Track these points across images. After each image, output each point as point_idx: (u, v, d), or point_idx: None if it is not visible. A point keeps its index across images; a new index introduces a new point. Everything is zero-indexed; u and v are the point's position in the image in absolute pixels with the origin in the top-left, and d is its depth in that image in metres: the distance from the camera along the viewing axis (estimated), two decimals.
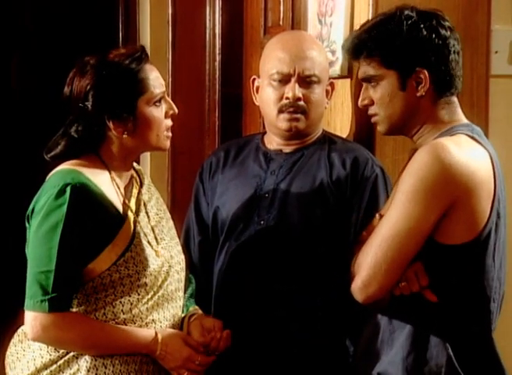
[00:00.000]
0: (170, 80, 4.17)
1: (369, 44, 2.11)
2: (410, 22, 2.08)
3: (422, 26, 2.08)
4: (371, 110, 2.17)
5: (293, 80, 2.42)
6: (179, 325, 2.30)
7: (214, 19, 4.03)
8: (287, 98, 2.43)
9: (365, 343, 2.18)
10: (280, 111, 2.44)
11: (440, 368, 2.03)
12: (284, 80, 2.43)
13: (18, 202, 2.34)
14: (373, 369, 2.12)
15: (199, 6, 4.07)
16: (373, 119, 2.18)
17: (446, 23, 2.11)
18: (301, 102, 2.42)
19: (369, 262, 2.04)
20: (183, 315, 2.33)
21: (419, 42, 2.08)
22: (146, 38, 4.29)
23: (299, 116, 2.43)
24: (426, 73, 2.08)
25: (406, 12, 2.10)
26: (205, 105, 4.14)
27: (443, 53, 2.09)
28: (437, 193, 1.98)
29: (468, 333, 2.06)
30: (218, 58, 4.05)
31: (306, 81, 2.42)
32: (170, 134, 2.26)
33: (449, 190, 1.98)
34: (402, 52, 2.08)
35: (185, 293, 2.36)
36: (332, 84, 2.51)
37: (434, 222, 2.00)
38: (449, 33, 2.10)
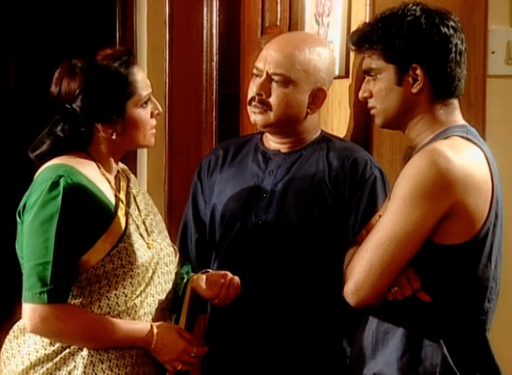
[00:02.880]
0: (167, 80, 4.18)
1: (371, 36, 2.11)
2: (411, 17, 2.08)
3: (423, 22, 2.07)
4: (370, 103, 2.17)
5: (263, 76, 2.43)
6: (170, 318, 2.30)
7: (211, 20, 4.04)
8: (252, 92, 2.45)
9: (360, 344, 2.18)
10: (248, 103, 2.47)
11: (435, 367, 2.03)
12: (259, 75, 2.45)
13: (15, 198, 2.34)
14: (368, 370, 2.12)
15: (196, 6, 4.08)
16: (371, 112, 2.19)
17: (451, 23, 2.09)
18: (263, 98, 2.42)
19: (364, 266, 2.03)
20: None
21: (417, 38, 2.07)
22: (143, 38, 4.29)
23: (259, 110, 2.44)
24: (422, 70, 2.08)
25: (410, 8, 2.10)
26: (202, 105, 4.15)
27: (442, 52, 2.08)
28: (434, 198, 1.98)
29: (463, 332, 2.06)
30: (215, 58, 4.06)
31: (274, 79, 2.42)
32: (154, 131, 2.28)
33: (447, 195, 1.98)
34: (400, 47, 2.08)
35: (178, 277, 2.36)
36: (321, 91, 2.45)
37: (431, 226, 2.00)
38: (451, 32, 2.08)
